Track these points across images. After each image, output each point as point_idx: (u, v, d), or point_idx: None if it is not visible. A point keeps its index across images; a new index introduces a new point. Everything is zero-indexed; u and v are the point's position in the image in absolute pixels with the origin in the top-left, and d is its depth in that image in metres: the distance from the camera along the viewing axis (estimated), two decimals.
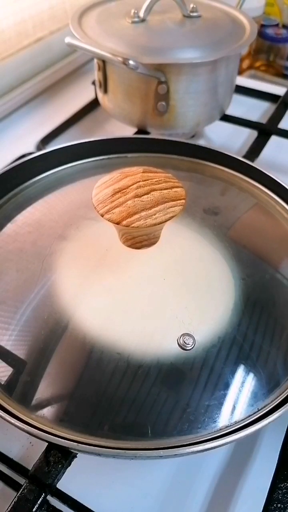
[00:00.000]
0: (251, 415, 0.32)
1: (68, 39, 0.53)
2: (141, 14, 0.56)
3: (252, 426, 0.30)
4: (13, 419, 0.30)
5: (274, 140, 0.63)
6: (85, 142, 0.52)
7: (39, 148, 0.63)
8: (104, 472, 0.36)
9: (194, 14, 0.57)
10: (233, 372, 0.38)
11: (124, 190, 0.34)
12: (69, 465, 0.32)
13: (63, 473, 0.31)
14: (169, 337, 0.41)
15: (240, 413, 0.32)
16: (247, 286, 0.40)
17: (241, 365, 0.39)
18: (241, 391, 0.34)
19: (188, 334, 0.36)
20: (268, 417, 0.30)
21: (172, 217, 0.33)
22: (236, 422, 0.32)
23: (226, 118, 0.64)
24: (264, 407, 0.33)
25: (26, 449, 0.36)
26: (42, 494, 0.30)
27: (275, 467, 0.34)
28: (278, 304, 0.40)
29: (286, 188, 0.47)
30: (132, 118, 0.60)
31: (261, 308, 0.40)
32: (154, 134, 0.58)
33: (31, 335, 0.40)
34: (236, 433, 0.30)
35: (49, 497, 0.31)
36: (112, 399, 0.36)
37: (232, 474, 0.36)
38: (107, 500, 0.34)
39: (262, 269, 0.42)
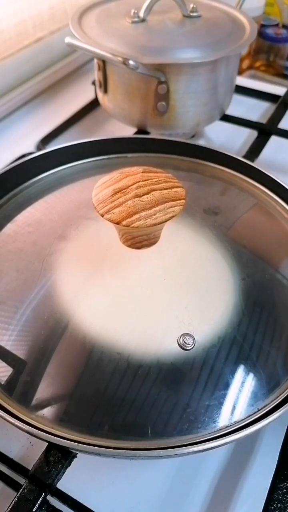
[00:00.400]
0: (251, 415, 0.32)
1: (68, 39, 0.53)
2: (141, 14, 0.56)
3: (252, 426, 0.30)
4: (13, 419, 0.30)
5: (274, 140, 0.63)
6: (85, 142, 0.52)
7: (39, 148, 0.63)
8: (104, 472, 0.36)
9: (194, 14, 0.57)
10: (233, 372, 0.38)
11: (124, 190, 0.34)
12: (69, 465, 0.32)
13: (63, 473, 0.31)
14: (169, 337, 0.41)
15: (240, 413, 0.32)
16: (247, 286, 0.40)
17: (241, 365, 0.39)
18: (241, 391, 0.34)
19: (188, 334, 0.36)
20: (268, 417, 0.30)
21: (172, 217, 0.34)
22: (236, 422, 0.32)
23: (226, 118, 0.64)
24: (264, 407, 0.33)
25: (26, 449, 0.36)
26: (42, 494, 0.30)
27: (275, 467, 0.34)
28: (278, 304, 0.40)
29: (286, 188, 0.47)
30: (132, 118, 0.60)
31: (261, 308, 0.41)
32: (154, 134, 0.58)
33: (31, 335, 0.40)
34: (236, 433, 0.30)
35: (49, 497, 0.31)
36: (112, 399, 0.36)
37: (232, 474, 0.36)
38: (107, 500, 0.34)
39: (262, 269, 0.42)
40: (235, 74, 0.62)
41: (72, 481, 0.33)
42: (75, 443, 0.29)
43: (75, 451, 0.31)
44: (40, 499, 0.30)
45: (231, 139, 0.67)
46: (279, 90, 0.75)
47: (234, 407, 0.32)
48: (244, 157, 0.52)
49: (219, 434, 0.30)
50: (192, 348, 0.35)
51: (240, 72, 0.91)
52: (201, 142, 0.55)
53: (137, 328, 0.37)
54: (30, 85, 0.75)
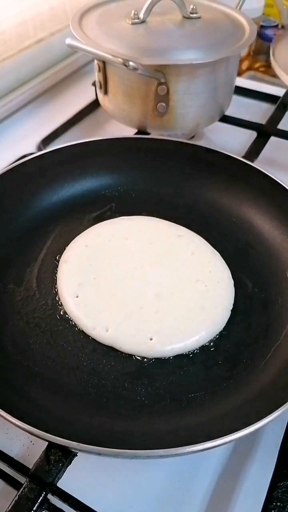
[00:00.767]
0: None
1: (68, 40, 0.53)
2: (141, 15, 0.56)
3: (251, 425, 0.30)
4: (14, 418, 0.30)
5: (273, 140, 0.63)
6: (86, 142, 0.53)
7: (40, 148, 0.64)
8: (104, 471, 0.36)
9: (194, 15, 0.58)
10: (231, 370, 0.38)
11: None
12: (70, 464, 0.32)
13: (64, 472, 0.31)
14: (169, 337, 0.41)
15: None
16: None
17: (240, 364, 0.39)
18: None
19: None
20: (267, 417, 0.31)
21: None
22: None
23: (225, 119, 0.65)
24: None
25: (26, 448, 0.36)
26: (42, 493, 0.30)
27: (274, 466, 0.34)
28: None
29: (286, 188, 0.47)
30: (132, 119, 0.60)
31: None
32: (154, 135, 0.59)
33: (30, 333, 0.41)
34: (236, 432, 0.30)
35: (49, 496, 0.31)
36: (112, 398, 0.36)
37: (232, 473, 0.36)
38: (107, 498, 0.34)
39: None
40: (235, 75, 0.62)
41: (73, 480, 0.33)
42: (75, 442, 0.29)
43: (75, 450, 0.31)
44: (41, 497, 0.30)
45: (230, 140, 0.67)
46: (278, 91, 0.75)
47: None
48: (244, 157, 0.53)
49: (219, 434, 0.30)
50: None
51: (239, 73, 0.91)
52: (201, 143, 0.55)
53: (141, 330, 0.38)
54: (30, 86, 0.75)
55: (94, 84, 0.67)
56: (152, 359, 0.39)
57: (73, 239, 0.48)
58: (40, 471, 0.31)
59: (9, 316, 0.41)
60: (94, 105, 0.71)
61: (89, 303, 0.42)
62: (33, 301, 0.42)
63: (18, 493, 0.30)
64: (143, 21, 0.56)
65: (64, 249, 0.47)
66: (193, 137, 0.67)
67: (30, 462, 0.32)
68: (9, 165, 0.49)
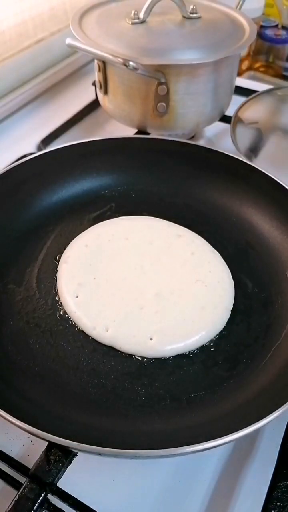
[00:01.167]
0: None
1: (68, 40, 0.53)
2: (141, 15, 0.56)
3: (251, 425, 0.30)
4: (14, 418, 0.30)
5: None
6: (86, 142, 0.53)
7: (40, 148, 0.64)
8: (104, 471, 0.36)
9: (194, 15, 0.58)
10: (231, 370, 0.38)
11: None
12: (70, 464, 0.32)
13: (64, 472, 0.31)
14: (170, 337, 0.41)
15: None
16: None
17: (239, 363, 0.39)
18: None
19: None
20: (267, 417, 0.31)
21: None
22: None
23: (225, 119, 0.65)
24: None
25: (26, 448, 0.36)
26: (42, 493, 0.30)
27: (274, 466, 0.34)
28: None
29: (286, 188, 0.47)
30: (132, 119, 0.60)
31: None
32: (154, 135, 0.59)
33: (30, 333, 0.41)
34: (236, 432, 0.30)
35: (49, 496, 0.31)
36: (112, 398, 0.36)
37: (232, 473, 0.36)
38: (107, 498, 0.34)
39: None
40: (235, 75, 0.62)
41: (73, 480, 0.33)
42: (75, 442, 0.29)
43: (75, 450, 0.31)
44: (41, 497, 0.30)
45: (230, 140, 0.67)
46: None
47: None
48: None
49: (219, 434, 0.30)
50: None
51: (239, 73, 0.91)
52: (201, 143, 0.55)
53: (142, 331, 0.38)
54: (30, 86, 0.75)
55: (94, 84, 0.67)
56: (152, 359, 0.39)
57: (73, 239, 0.48)
58: (40, 471, 0.31)
59: (9, 316, 0.41)
60: (94, 105, 0.71)
61: (89, 303, 0.41)
62: (33, 301, 0.42)
63: (18, 493, 0.30)
64: (143, 21, 0.56)
65: (64, 249, 0.47)
66: (193, 137, 0.67)
67: (30, 462, 0.32)
68: (9, 165, 0.49)
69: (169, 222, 0.50)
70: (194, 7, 0.58)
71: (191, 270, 0.45)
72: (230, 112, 0.64)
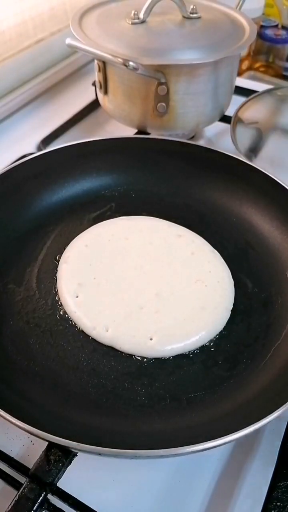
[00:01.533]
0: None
1: (68, 40, 0.53)
2: (141, 15, 0.56)
3: (251, 425, 0.30)
4: (14, 418, 0.30)
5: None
6: (86, 142, 0.53)
7: (39, 148, 0.64)
8: (104, 471, 0.36)
9: (194, 15, 0.58)
10: (231, 370, 0.38)
11: None
12: (70, 464, 0.32)
13: (64, 472, 0.31)
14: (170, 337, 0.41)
15: None
16: None
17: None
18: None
19: None
20: (267, 417, 0.31)
21: None
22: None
23: (225, 119, 0.65)
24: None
25: (26, 448, 0.36)
26: (42, 493, 0.30)
27: (274, 466, 0.34)
28: None
29: (285, 188, 0.47)
30: (132, 119, 0.60)
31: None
32: (154, 135, 0.59)
33: (30, 333, 0.41)
34: (236, 432, 0.30)
35: (49, 496, 0.31)
36: (112, 398, 0.36)
37: (232, 473, 0.36)
38: (107, 498, 0.34)
39: None
40: (235, 75, 0.62)
41: (73, 480, 0.33)
42: (75, 442, 0.29)
43: (75, 450, 0.31)
44: (41, 497, 0.30)
45: (230, 140, 0.67)
46: None
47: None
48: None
49: (219, 434, 0.30)
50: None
51: (239, 73, 0.91)
52: (201, 143, 0.55)
53: (141, 330, 0.38)
54: (30, 86, 0.75)
55: (94, 84, 0.67)
56: (152, 359, 0.39)
57: (73, 239, 0.48)
58: (40, 471, 0.31)
59: (9, 316, 0.41)
60: (94, 105, 0.71)
61: (89, 303, 0.41)
62: (33, 301, 0.42)
63: (18, 493, 0.30)
64: (143, 21, 0.56)
65: (64, 249, 0.47)
66: (193, 137, 0.67)
67: (30, 462, 0.32)
68: (9, 165, 0.49)
69: (169, 222, 0.50)
70: (194, 7, 0.58)
71: (191, 270, 0.45)
72: (230, 112, 0.64)
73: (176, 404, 0.36)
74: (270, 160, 0.59)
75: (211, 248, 0.47)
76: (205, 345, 0.40)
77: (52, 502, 0.32)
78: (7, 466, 0.34)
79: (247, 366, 0.39)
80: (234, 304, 0.43)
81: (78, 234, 0.48)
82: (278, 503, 0.31)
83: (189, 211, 0.52)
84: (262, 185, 0.49)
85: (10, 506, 0.30)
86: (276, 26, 0.98)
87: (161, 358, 0.39)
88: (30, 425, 0.30)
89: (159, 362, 0.39)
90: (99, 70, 0.58)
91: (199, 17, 0.58)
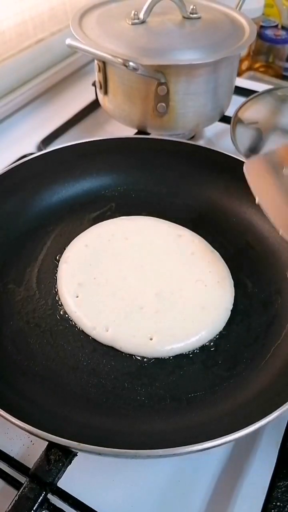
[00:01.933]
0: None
1: (69, 41, 0.53)
2: (141, 15, 0.56)
3: (251, 425, 0.30)
4: (14, 418, 0.30)
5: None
6: (86, 143, 0.53)
7: (40, 148, 0.64)
8: (104, 471, 0.36)
9: (194, 15, 0.58)
10: (231, 370, 0.38)
11: None
12: (70, 464, 0.32)
13: (64, 471, 0.31)
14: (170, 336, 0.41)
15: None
16: None
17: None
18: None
19: None
20: (267, 417, 0.31)
21: None
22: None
23: (225, 119, 0.65)
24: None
25: (27, 448, 0.36)
26: (42, 493, 0.30)
27: (274, 466, 0.34)
28: None
29: None
30: (132, 119, 0.60)
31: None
32: (154, 135, 0.59)
33: (30, 333, 0.41)
34: (236, 432, 0.30)
35: (49, 496, 0.31)
36: (112, 398, 0.36)
37: (232, 473, 0.36)
38: (107, 498, 0.34)
39: None
40: (235, 75, 0.62)
41: (73, 480, 0.33)
42: (75, 442, 0.29)
43: (75, 450, 0.31)
44: (41, 497, 0.30)
45: (230, 140, 0.67)
46: None
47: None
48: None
49: (219, 434, 0.30)
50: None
51: (239, 73, 0.91)
52: (201, 143, 0.55)
53: (142, 330, 0.38)
54: (30, 86, 0.75)
55: (94, 84, 0.67)
56: (152, 359, 0.39)
57: (73, 239, 0.48)
58: (40, 471, 0.31)
59: (9, 316, 0.41)
60: (94, 105, 0.71)
61: (89, 303, 0.42)
62: (33, 301, 0.43)
63: (18, 493, 0.30)
64: (143, 21, 0.56)
65: (64, 249, 0.47)
66: (193, 137, 0.67)
67: (30, 462, 0.32)
68: (9, 165, 0.49)
69: (169, 222, 0.50)
70: (194, 7, 0.58)
71: (191, 270, 0.45)
72: (230, 112, 0.64)
73: (176, 404, 0.36)
74: None
75: (211, 248, 0.47)
76: (205, 345, 0.40)
77: (52, 502, 0.32)
78: (7, 466, 0.34)
79: (247, 366, 0.39)
80: (234, 304, 0.43)
81: (78, 234, 0.48)
82: (278, 503, 0.31)
83: (189, 211, 0.52)
84: None
85: (10, 506, 0.30)
86: (276, 26, 0.98)
87: (161, 358, 0.39)
88: (30, 425, 0.30)
89: (159, 362, 0.39)
90: (99, 70, 0.58)
91: (199, 17, 0.58)
